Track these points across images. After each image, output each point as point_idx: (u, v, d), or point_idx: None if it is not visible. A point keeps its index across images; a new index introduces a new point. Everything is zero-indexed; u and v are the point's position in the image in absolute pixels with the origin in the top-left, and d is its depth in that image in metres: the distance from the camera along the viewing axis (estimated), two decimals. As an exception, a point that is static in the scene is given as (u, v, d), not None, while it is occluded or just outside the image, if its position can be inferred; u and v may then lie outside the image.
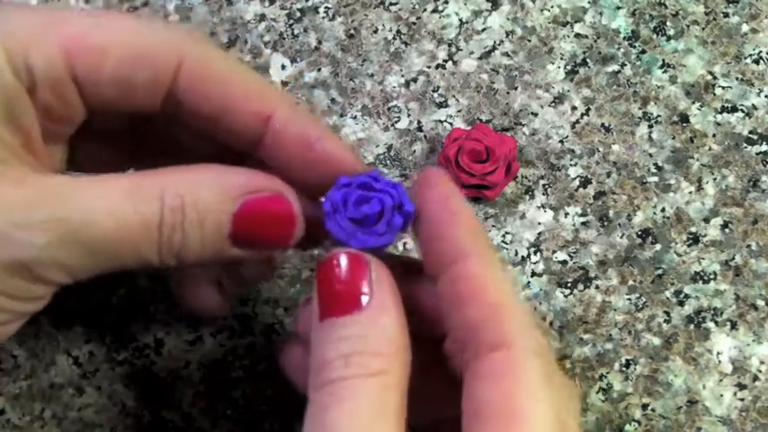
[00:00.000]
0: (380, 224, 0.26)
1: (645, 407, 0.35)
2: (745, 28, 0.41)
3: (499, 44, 0.41)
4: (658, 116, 0.39)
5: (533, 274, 0.37)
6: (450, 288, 0.25)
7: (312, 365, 0.24)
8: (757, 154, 0.39)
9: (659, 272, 0.37)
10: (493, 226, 0.38)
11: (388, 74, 0.40)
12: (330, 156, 0.27)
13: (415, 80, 0.40)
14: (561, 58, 0.40)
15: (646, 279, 0.37)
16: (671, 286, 0.37)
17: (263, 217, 0.26)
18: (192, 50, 0.26)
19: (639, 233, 0.37)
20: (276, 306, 0.36)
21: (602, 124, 0.39)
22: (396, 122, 0.39)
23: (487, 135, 0.37)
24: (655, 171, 0.38)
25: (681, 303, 0.36)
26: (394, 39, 0.41)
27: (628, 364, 0.36)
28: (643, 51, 0.40)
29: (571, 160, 0.39)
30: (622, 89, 0.40)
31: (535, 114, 0.39)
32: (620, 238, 0.37)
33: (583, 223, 0.38)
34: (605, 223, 0.38)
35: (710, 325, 0.36)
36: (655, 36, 0.41)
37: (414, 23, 0.41)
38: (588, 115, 0.39)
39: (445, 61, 0.40)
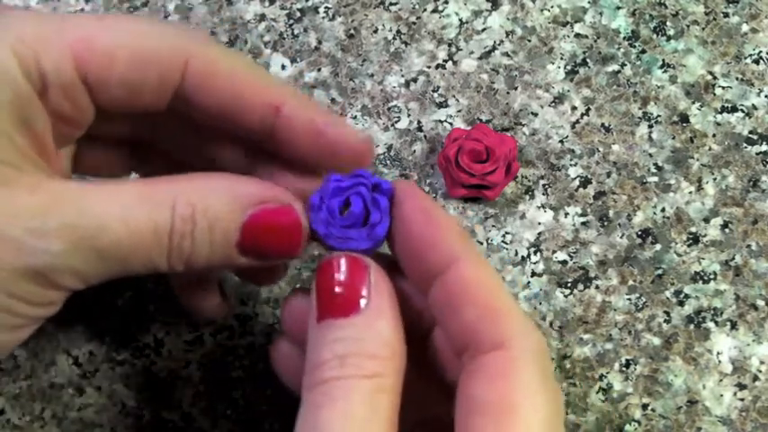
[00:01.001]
0: (371, 217, 0.27)
1: (645, 407, 0.35)
2: (745, 28, 0.41)
3: (499, 44, 0.41)
4: (658, 116, 0.39)
5: (533, 274, 0.37)
6: (444, 293, 0.25)
7: (306, 366, 0.24)
8: (757, 154, 0.39)
9: (659, 272, 0.37)
10: (493, 226, 0.38)
11: (388, 74, 0.40)
12: (342, 141, 0.28)
13: (415, 80, 0.40)
14: (561, 58, 0.40)
15: (646, 279, 0.37)
16: (671, 286, 0.37)
17: (271, 228, 0.26)
18: (197, 49, 0.27)
19: (639, 233, 0.37)
20: (276, 306, 0.36)
21: (602, 124, 0.39)
22: (396, 122, 0.39)
23: (487, 135, 0.37)
24: (655, 171, 0.38)
25: (681, 303, 0.36)
26: (394, 39, 0.41)
27: (628, 364, 0.36)
28: (643, 51, 0.40)
29: (571, 160, 0.39)
30: (622, 89, 0.40)
31: (535, 114, 0.39)
32: (620, 238, 0.37)
33: (583, 223, 0.38)
34: (605, 223, 0.38)
35: (710, 325, 0.36)
36: (655, 36, 0.41)
37: (414, 23, 0.41)
38: (588, 115, 0.39)
39: (445, 61, 0.40)
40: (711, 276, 0.37)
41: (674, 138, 0.39)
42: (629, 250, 0.37)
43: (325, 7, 0.41)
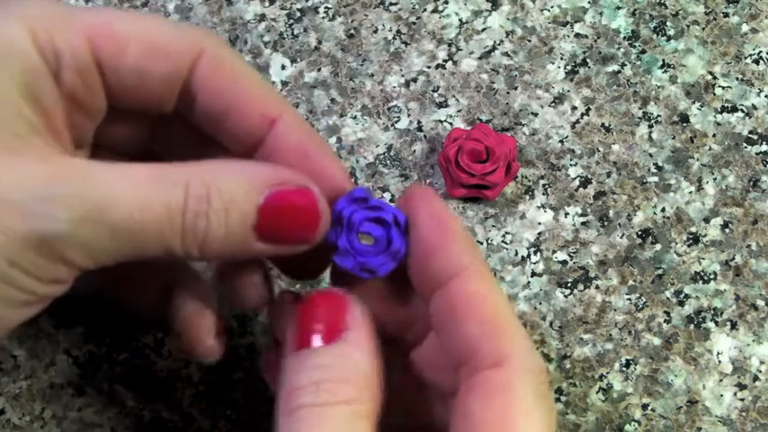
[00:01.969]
0: (392, 245, 0.27)
1: (645, 407, 0.35)
2: (745, 28, 0.41)
3: (499, 44, 0.41)
4: (658, 116, 0.39)
5: (533, 274, 0.37)
6: (445, 304, 0.25)
7: (282, 392, 0.24)
8: (757, 154, 0.39)
9: (659, 272, 0.37)
10: (493, 226, 0.38)
11: (388, 74, 0.40)
12: (322, 171, 0.28)
13: (415, 80, 0.40)
14: (561, 58, 0.40)
15: (646, 279, 0.37)
16: (671, 286, 0.37)
17: (289, 209, 0.26)
18: (209, 46, 0.27)
19: (639, 233, 0.37)
20: (276, 306, 0.36)
21: (602, 124, 0.39)
22: (396, 122, 0.39)
23: (487, 135, 0.37)
24: (655, 171, 0.38)
25: (681, 303, 0.36)
26: (394, 39, 0.41)
27: (628, 364, 0.36)
28: (643, 51, 0.40)
29: (571, 160, 0.39)
30: (622, 89, 0.40)
31: (535, 114, 0.39)
32: (620, 238, 0.37)
33: (583, 223, 0.38)
34: (605, 223, 0.38)
35: (710, 325, 0.36)
36: (655, 36, 0.41)
37: (414, 23, 0.41)
38: (588, 115, 0.39)
39: (445, 61, 0.40)
40: (711, 276, 0.37)
41: (674, 138, 0.39)
42: (629, 250, 0.37)
43: (326, 7, 0.41)
